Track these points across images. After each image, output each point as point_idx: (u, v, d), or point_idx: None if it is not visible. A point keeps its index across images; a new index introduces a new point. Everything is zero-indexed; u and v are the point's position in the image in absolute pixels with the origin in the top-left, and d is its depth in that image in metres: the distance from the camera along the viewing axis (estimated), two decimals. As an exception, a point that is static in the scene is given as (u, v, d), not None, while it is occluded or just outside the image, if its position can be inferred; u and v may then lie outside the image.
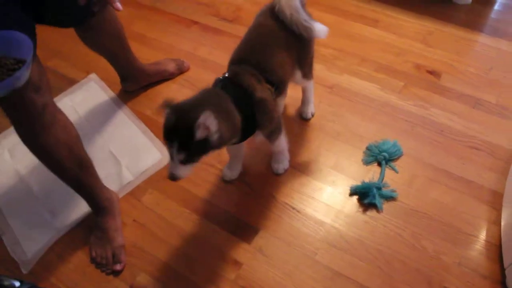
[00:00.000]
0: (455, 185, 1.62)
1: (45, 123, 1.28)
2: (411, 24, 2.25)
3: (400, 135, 1.77)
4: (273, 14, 1.47)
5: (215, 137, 1.20)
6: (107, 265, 1.51)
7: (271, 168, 1.71)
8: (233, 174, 1.72)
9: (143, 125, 1.92)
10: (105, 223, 1.55)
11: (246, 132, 1.39)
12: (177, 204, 1.66)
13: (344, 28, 2.26)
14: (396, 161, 1.71)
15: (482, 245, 1.47)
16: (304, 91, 1.82)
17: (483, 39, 2.17)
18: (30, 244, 1.59)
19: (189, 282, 1.47)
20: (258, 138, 1.49)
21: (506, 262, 1.35)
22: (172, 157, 1.23)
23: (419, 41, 2.16)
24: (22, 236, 1.62)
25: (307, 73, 1.67)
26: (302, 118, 1.86)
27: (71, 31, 1.66)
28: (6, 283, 1.22)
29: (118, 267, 1.50)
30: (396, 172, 1.67)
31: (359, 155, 1.74)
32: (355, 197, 1.62)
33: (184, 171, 1.25)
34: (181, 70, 2.11)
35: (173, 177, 1.25)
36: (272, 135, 1.53)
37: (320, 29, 1.50)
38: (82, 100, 2.04)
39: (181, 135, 1.19)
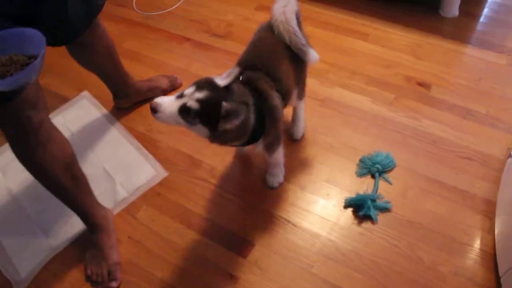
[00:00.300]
0: (449, 195, 1.63)
1: (41, 140, 1.28)
2: (400, 37, 2.28)
3: (392, 147, 1.79)
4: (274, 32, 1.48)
5: (225, 126, 1.21)
6: (103, 283, 1.49)
7: (266, 182, 1.71)
8: (243, 151, 1.80)
9: (136, 142, 1.92)
10: (100, 241, 1.54)
11: (253, 137, 1.38)
12: (172, 220, 1.65)
13: (335, 42, 2.29)
14: (389, 172, 1.72)
15: (477, 254, 1.48)
16: (295, 111, 1.82)
17: (470, 51, 2.20)
18: (24, 263, 1.58)
19: (186, 298, 1.46)
20: (259, 147, 1.49)
21: (501, 271, 1.35)
22: (178, 96, 1.20)
23: (409, 53, 2.19)
24: (15, 255, 1.60)
25: (301, 92, 1.70)
26: (293, 139, 1.85)
27: (62, 49, 1.67)
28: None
29: (114, 284, 1.49)
30: (390, 183, 1.68)
31: (353, 167, 1.75)
32: (349, 209, 1.63)
33: (171, 113, 1.18)
34: (173, 86, 2.12)
35: (155, 106, 1.17)
36: (272, 146, 1.54)
37: (312, 54, 1.54)
38: (75, 117, 2.04)
39: (211, 95, 1.18)
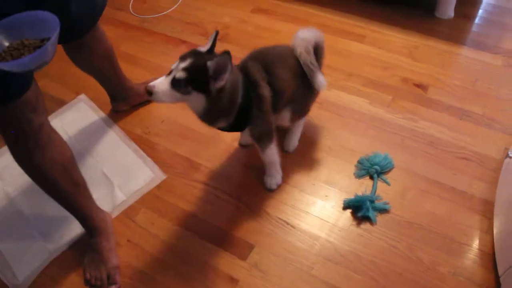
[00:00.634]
0: (447, 196, 1.64)
1: (41, 143, 1.27)
2: (397, 39, 2.30)
3: (390, 148, 1.79)
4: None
5: (217, 84, 1.27)
6: (102, 287, 1.48)
7: (264, 183, 1.71)
8: (246, 141, 1.85)
9: (134, 145, 1.91)
10: (99, 244, 1.53)
11: (238, 121, 1.43)
12: (171, 223, 1.65)
13: (332, 44, 2.30)
14: (387, 173, 1.72)
15: (476, 254, 1.49)
16: (293, 126, 1.81)
17: (466, 52, 2.22)
18: (22, 268, 1.56)
19: (186, 301, 1.46)
20: (246, 135, 1.59)
21: (500, 270, 1.36)
22: (168, 74, 1.27)
23: (405, 55, 2.20)
24: (13, 259, 1.59)
25: (301, 114, 1.74)
26: (284, 151, 1.82)
27: (59, 52, 1.66)
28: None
29: (113, 288, 1.48)
30: (388, 184, 1.69)
31: (351, 169, 1.75)
32: (348, 211, 1.63)
33: (165, 90, 1.25)
34: (170, 89, 2.11)
35: (150, 89, 1.25)
36: (261, 139, 1.56)
37: (320, 80, 1.58)
38: (72, 121, 2.04)
39: (195, 61, 1.26)
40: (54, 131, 1.34)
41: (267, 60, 1.51)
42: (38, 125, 1.24)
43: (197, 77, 1.25)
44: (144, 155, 1.87)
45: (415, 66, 2.15)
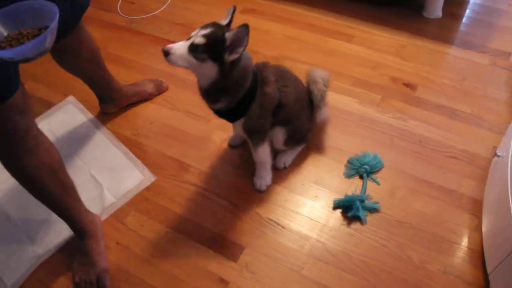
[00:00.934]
0: (436, 194, 1.65)
1: (28, 146, 1.26)
2: (385, 39, 2.30)
3: (380, 147, 1.80)
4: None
5: (232, 56, 1.31)
6: (92, 290, 1.48)
7: (254, 184, 1.71)
8: (235, 141, 1.86)
9: (123, 147, 1.90)
10: (89, 247, 1.52)
11: (237, 108, 1.46)
12: (161, 225, 1.64)
13: (320, 44, 2.30)
14: (377, 173, 1.73)
15: (465, 252, 1.50)
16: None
17: (454, 52, 2.23)
18: (10, 272, 1.55)
19: (176, 303, 1.45)
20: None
21: (489, 268, 1.37)
22: (187, 39, 1.31)
23: (394, 54, 2.21)
24: (1, 264, 1.57)
25: (293, 142, 1.74)
26: (275, 167, 1.76)
27: (47, 54, 1.64)
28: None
29: (103, 291, 1.47)
30: (378, 184, 1.69)
31: (341, 168, 1.76)
32: (338, 211, 1.63)
33: (182, 54, 1.29)
34: (159, 90, 2.11)
35: (167, 49, 1.29)
36: (253, 136, 1.57)
37: (323, 113, 1.74)
38: (60, 123, 2.02)
39: (214, 30, 1.31)
40: (41, 134, 1.32)
41: (281, 73, 1.58)
42: (25, 127, 1.23)
43: (214, 46, 1.29)
44: (133, 156, 1.86)
45: (404, 65, 2.16)
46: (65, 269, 1.55)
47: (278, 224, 1.61)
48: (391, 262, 1.49)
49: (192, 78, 2.15)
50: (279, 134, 1.65)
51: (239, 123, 1.52)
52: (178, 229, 1.62)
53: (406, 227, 1.57)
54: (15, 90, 1.16)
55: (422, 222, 1.58)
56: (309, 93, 1.67)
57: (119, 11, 2.63)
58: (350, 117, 1.93)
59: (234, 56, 1.31)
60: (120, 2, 2.69)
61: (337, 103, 1.99)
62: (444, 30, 2.35)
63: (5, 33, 1.01)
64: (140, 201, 1.71)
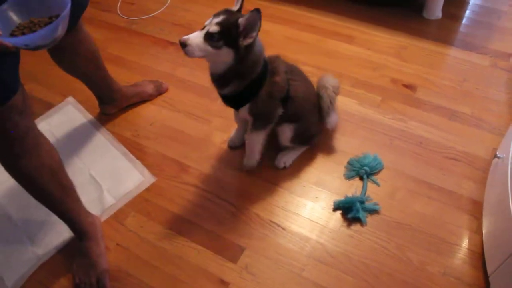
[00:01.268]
0: (436, 196, 1.65)
1: (28, 147, 1.25)
2: (385, 40, 2.30)
3: (380, 149, 1.80)
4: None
5: (246, 41, 1.34)
6: (92, 292, 1.48)
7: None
8: (235, 142, 1.85)
9: (123, 148, 1.90)
10: (88, 248, 1.52)
11: (244, 93, 1.49)
12: (160, 226, 1.64)
13: (321, 45, 2.30)
14: (377, 174, 1.73)
15: (465, 253, 1.50)
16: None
17: (454, 53, 2.23)
18: (10, 273, 1.55)
19: (176, 305, 1.45)
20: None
21: (489, 270, 1.37)
22: (203, 28, 1.35)
23: (394, 55, 2.21)
24: (1, 265, 1.57)
25: (300, 141, 1.75)
26: (274, 165, 1.78)
27: (46, 54, 1.65)
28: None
29: (102, 292, 1.47)
30: (378, 185, 1.69)
31: (341, 170, 1.76)
32: (338, 212, 1.63)
33: (199, 44, 1.33)
34: (159, 91, 2.10)
35: (184, 41, 1.34)
36: (258, 119, 1.58)
37: (332, 119, 1.74)
38: (60, 124, 2.01)
39: (227, 17, 1.34)
40: (41, 135, 1.32)
41: (291, 68, 1.63)
42: (25, 128, 1.23)
43: (228, 32, 1.33)
44: (133, 158, 1.86)
45: (404, 66, 2.16)
46: (65, 270, 1.55)
47: (278, 226, 1.61)
48: (391, 263, 1.49)
49: (192, 79, 2.17)
50: (287, 131, 1.66)
51: (245, 108, 1.54)
52: (178, 230, 1.62)
53: (406, 228, 1.57)
54: (15, 91, 1.16)
55: (422, 223, 1.58)
56: (318, 97, 1.69)
57: (119, 12, 2.63)
58: (350, 118, 1.93)
59: (248, 41, 1.34)
60: (119, 3, 2.69)
61: (337, 104, 1.98)
62: (444, 31, 2.35)
63: (18, 22, 1.03)
64: (140, 202, 1.71)
